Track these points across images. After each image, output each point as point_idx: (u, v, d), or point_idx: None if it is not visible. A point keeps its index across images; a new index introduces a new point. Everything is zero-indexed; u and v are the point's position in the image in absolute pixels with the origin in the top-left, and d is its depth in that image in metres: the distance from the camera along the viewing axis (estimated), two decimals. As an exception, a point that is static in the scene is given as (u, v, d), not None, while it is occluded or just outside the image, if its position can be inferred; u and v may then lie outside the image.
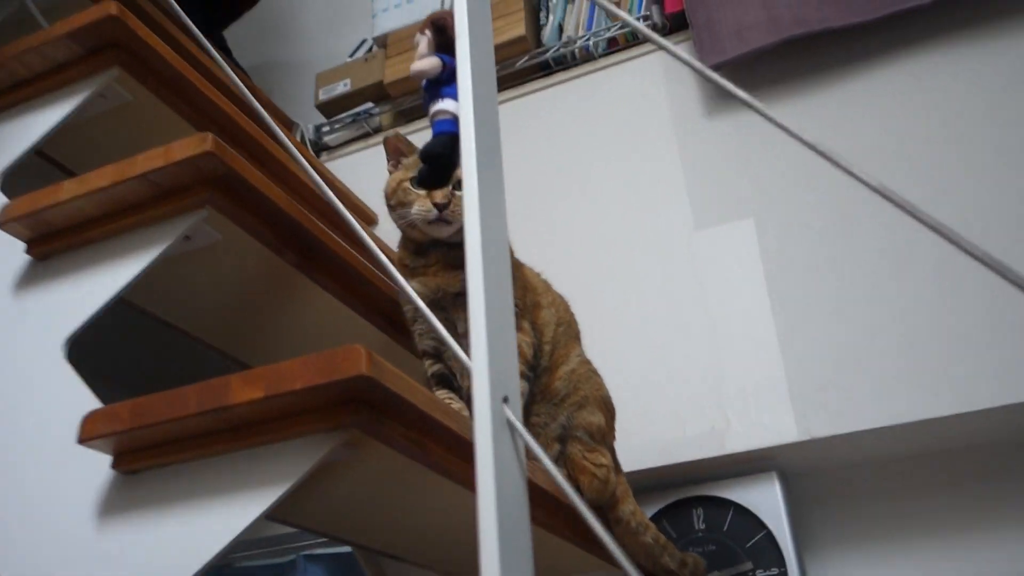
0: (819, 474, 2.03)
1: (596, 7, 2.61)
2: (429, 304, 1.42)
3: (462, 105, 0.82)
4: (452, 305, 1.41)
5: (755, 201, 2.18)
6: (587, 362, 1.52)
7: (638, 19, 2.51)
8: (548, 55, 2.60)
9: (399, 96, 2.76)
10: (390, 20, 2.87)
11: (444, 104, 0.73)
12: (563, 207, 2.40)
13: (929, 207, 0.69)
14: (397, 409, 0.95)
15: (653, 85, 2.43)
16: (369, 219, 2.42)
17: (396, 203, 1.43)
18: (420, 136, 1.44)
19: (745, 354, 2.02)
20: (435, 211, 1.38)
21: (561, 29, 2.64)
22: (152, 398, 0.94)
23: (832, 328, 1.95)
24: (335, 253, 1.39)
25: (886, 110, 2.10)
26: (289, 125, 2.70)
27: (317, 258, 1.41)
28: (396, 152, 1.48)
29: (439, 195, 1.38)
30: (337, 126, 2.84)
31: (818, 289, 2.01)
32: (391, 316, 1.60)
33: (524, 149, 2.49)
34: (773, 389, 1.94)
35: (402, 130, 2.73)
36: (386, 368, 0.90)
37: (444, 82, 0.82)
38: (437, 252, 1.43)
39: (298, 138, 2.75)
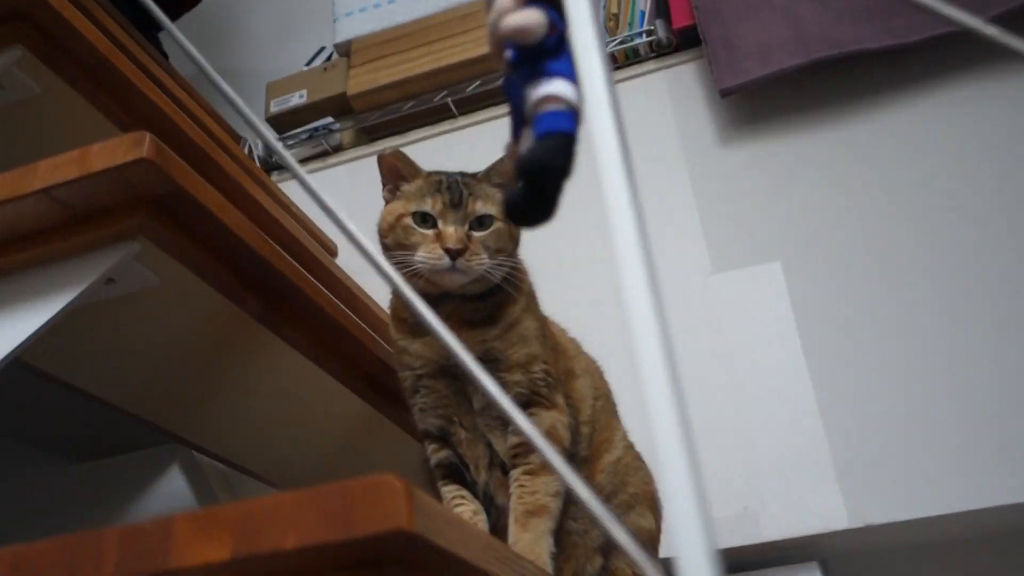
0: (864, 561, 1.75)
1: (591, 19, 2.32)
2: (434, 373, 1.09)
3: (590, 86, 0.50)
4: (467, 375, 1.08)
5: (782, 241, 1.91)
6: (631, 446, 1.20)
7: (640, 34, 2.23)
8: (537, 71, 2.29)
9: (364, 110, 2.42)
10: (354, 25, 2.54)
11: (556, 87, 0.45)
12: (550, 246, 2.09)
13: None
14: (442, 568, 0.61)
15: (658, 109, 2.15)
16: (330, 251, 2.06)
17: (394, 243, 1.11)
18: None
19: (779, 420, 1.73)
20: (447, 259, 1.06)
21: (552, 42, 2.34)
22: None
23: (880, 390, 1.69)
24: (310, 300, 1.04)
25: (926, 140, 1.86)
26: (236, 139, 2.33)
27: (286, 307, 1.07)
28: (394, 174, 1.15)
29: (453, 238, 1.06)
30: (291, 142, 2.48)
31: (860, 344, 1.74)
32: (376, 379, 1.25)
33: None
34: (815, 464, 1.65)
35: (366, 150, 2.40)
36: (432, 510, 0.56)
37: (548, 52, 0.50)
38: (449, 305, 1.10)
39: (246, 153, 2.38)
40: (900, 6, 1.90)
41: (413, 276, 1.09)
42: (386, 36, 2.47)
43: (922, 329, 1.71)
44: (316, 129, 2.46)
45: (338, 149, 2.47)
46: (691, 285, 1.93)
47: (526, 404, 1.08)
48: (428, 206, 1.09)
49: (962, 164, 1.81)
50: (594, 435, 1.16)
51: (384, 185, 1.19)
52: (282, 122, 2.52)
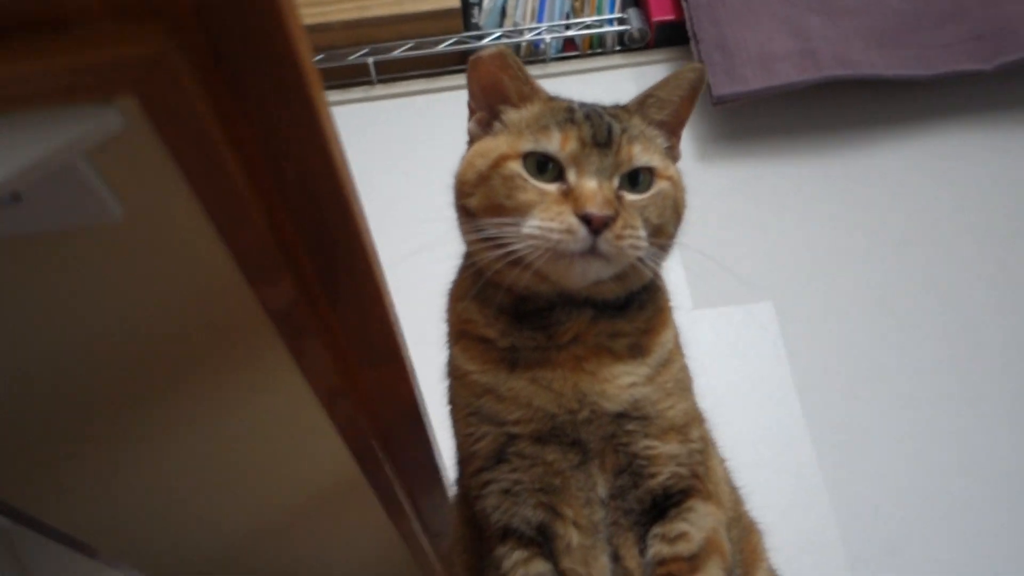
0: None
1: (551, -5, 1.97)
2: (543, 435, 0.67)
3: None
4: (594, 439, 0.67)
5: (773, 278, 1.64)
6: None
7: (611, 22, 1.91)
8: (483, 43, 1.90)
9: None
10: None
11: None
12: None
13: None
14: None
15: (627, 109, 1.83)
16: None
17: (483, 205, 0.69)
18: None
19: (780, 492, 1.44)
20: (584, 232, 0.64)
21: (503, 14, 1.96)
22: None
23: (886, 457, 1.45)
24: (371, 284, 0.57)
25: (938, 180, 1.69)
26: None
27: (337, 290, 0.58)
28: (493, 90, 0.73)
29: (598, 197, 0.65)
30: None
31: (865, 409, 1.50)
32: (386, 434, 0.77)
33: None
34: (819, 539, 1.38)
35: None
36: None
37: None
38: (574, 319, 0.68)
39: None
40: (910, 35, 1.74)
41: (510, 266, 0.66)
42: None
43: (932, 392, 1.50)
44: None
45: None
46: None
47: (681, 493, 0.68)
48: (554, 144, 0.68)
49: (978, 210, 1.65)
50: (743, 541, 0.77)
51: (472, 110, 0.74)
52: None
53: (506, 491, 0.68)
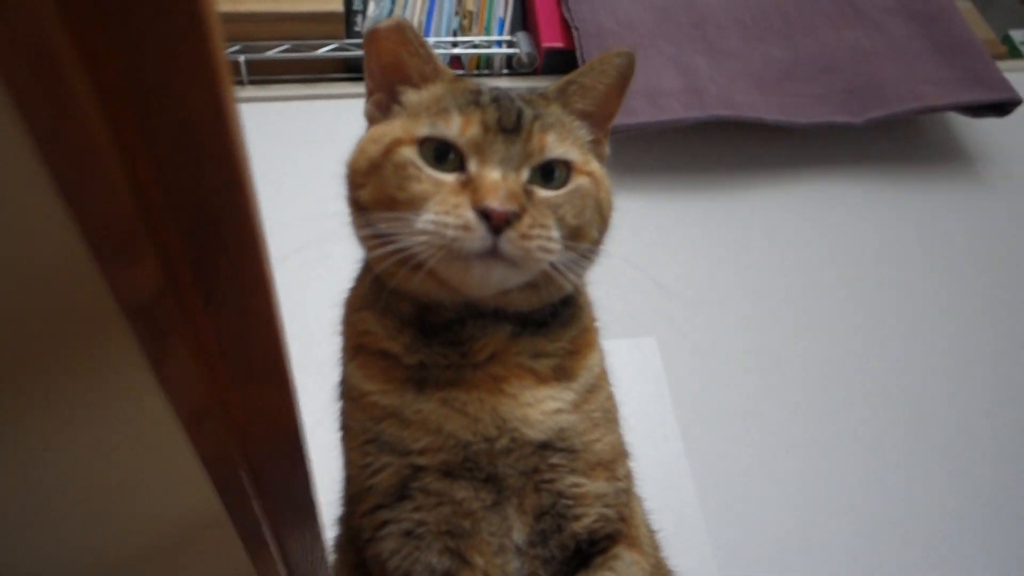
0: None
1: (437, 6, 1.90)
2: (453, 468, 0.58)
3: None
4: (512, 474, 0.58)
5: (657, 314, 1.62)
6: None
7: (499, 43, 1.86)
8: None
9: None
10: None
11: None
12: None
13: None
14: None
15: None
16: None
17: (375, 197, 0.60)
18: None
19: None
20: (482, 231, 0.56)
21: (389, 24, 1.86)
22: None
23: (766, 508, 1.44)
24: (256, 274, 0.46)
25: (806, 219, 1.74)
26: None
27: (219, 281, 0.47)
28: (392, 67, 0.64)
29: (499, 188, 0.57)
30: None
31: (741, 442, 1.50)
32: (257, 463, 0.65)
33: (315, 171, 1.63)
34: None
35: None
36: None
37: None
38: (493, 333, 0.60)
39: None
40: (788, 84, 1.79)
41: (401, 267, 0.57)
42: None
43: (809, 434, 1.52)
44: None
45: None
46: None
47: (607, 538, 0.60)
48: (453, 129, 0.59)
49: (847, 254, 1.70)
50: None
51: (370, 91, 0.65)
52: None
53: (407, 533, 0.58)
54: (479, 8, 1.89)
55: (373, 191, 0.59)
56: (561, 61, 1.83)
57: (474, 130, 0.58)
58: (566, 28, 1.83)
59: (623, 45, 1.76)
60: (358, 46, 1.79)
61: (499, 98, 0.61)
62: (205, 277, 0.41)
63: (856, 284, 1.67)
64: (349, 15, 1.82)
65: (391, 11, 1.87)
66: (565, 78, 0.67)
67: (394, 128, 0.60)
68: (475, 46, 1.85)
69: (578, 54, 1.76)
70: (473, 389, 0.58)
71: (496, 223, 0.55)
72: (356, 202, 0.60)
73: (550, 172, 0.61)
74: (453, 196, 0.56)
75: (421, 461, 0.57)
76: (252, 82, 1.75)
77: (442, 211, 0.55)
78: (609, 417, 0.64)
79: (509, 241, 0.55)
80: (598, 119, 0.68)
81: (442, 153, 0.58)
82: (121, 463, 0.57)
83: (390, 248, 0.56)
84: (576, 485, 0.59)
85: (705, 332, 1.61)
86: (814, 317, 1.63)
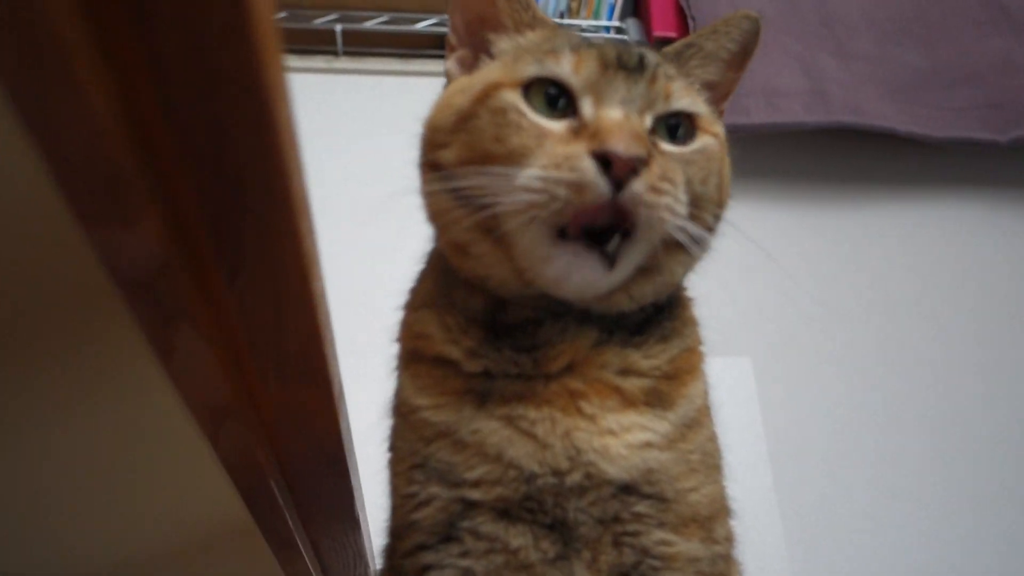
0: None
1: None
2: (512, 507, 0.47)
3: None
4: (585, 521, 0.47)
5: (752, 334, 1.49)
6: None
7: (607, 29, 1.74)
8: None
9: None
10: None
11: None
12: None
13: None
14: None
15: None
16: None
17: (466, 152, 0.48)
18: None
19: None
20: (603, 180, 0.44)
21: None
22: None
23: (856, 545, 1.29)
24: (288, 251, 0.37)
25: (932, 243, 1.57)
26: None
27: (243, 260, 0.37)
28: (481, 15, 0.55)
29: (620, 129, 0.45)
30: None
31: (835, 480, 1.35)
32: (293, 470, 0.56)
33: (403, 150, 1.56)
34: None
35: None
36: None
37: None
38: (559, 337, 0.50)
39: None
40: (924, 93, 1.62)
41: (486, 237, 0.48)
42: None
43: (915, 481, 1.35)
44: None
45: None
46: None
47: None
48: (564, 67, 0.49)
49: (978, 285, 1.52)
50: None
51: (451, 47, 0.55)
52: None
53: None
54: (589, -10, 1.78)
55: (461, 148, 0.48)
56: (672, 52, 1.70)
57: (590, 67, 0.48)
58: (681, 16, 1.70)
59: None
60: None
61: (613, 43, 0.51)
62: (228, 248, 0.32)
63: (988, 319, 1.49)
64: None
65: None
66: (683, 40, 0.56)
67: (490, 72, 0.50)
68: (582, 30, 1.73)
69: (692, 45, 1.63)
70: (544, 405, 0.47)
71: (619, 172, 0.44)
72: (434, 165, 0.50)
73: (674, 128, 0.50)
74: (564, 145, 0.46)
75: (474, 495, 0.47)
76: (347, 53, 1.68)
77: (551, 164, 0.45)
78: (710, 463, 0.52)
79: (634, 194, 0.44)
80: (718, 94, 0.57)
81: (552, 99, 0.48)
82: (133, 463, 0.49)
83: (475, 210, 0.46)
84: (665, 543, 0.48)
85: (805, 356, 1.47)
86: (933, 351, 1.46)
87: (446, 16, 1.66)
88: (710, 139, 0.51)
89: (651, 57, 0.50)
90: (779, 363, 1.46)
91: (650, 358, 0.51)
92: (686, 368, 0.52)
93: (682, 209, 0.46)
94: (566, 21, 1.74)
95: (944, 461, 1.36)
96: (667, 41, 1.68)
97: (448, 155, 0.49)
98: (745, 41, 0.56)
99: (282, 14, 1.63)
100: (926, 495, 1.34)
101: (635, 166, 0.44)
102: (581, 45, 0.50)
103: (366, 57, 1.69)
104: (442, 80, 0.63)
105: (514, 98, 0.48)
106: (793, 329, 1.49)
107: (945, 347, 1.47)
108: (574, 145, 0.45)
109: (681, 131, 0.50)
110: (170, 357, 0.36)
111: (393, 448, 0.53)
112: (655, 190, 0.44)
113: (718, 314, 1.40)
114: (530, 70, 0.48)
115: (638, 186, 0.44)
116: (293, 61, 1.66)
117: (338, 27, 1.64)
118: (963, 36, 1.70)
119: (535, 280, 0.47)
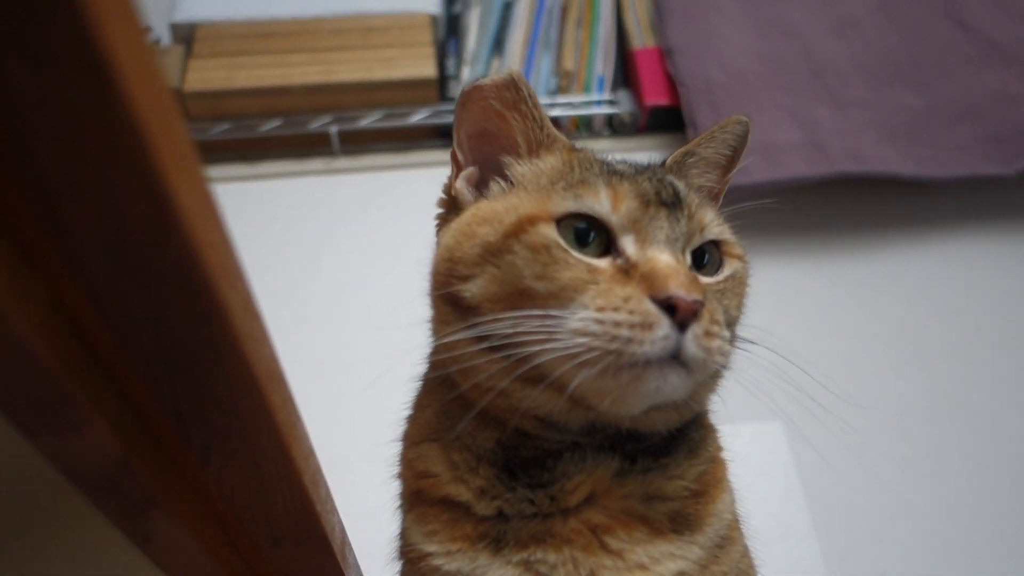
0: None
1: (534, 67, 1.82)
2: None
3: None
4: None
5: (781, 395, 1.43)
6: None
7: (599, 103, 1.75)
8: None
9: (202, 119, 1.68)
10: (204, 5, 1.82)
11: None
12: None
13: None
14: None
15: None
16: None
17: (499, 289, 0.47)
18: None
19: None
20: (668, 325, 0.44)
21: (483, 88, 1.79)
22: None
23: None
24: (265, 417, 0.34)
25: (956, 283, 1.53)
26: None
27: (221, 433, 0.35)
28: (494, 135, 0.55)
29: (677, 275, 0.45)
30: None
31: (885, 543, 1.28)
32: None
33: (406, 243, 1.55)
34: None
35: (216, 171, 1.65)
36: None
37: None
38: (575, 469, 0.48)
39: None
40: (923, 134, 1.60)
41: (527, 385, 0.46)
42: (251, 29, 1.78)
43: (973, 540, 1.29)
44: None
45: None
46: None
47: None
48: (603, 203, 0.48)
49: (1010, 322, 1.47)
50: None
51: (457, 165, 0.54)
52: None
53: None
54: (578, 67, 1.80)
55: (490, 283, 0.47)
56: (665, 119, 1.71)
57: (630, 205, 0.47)
58: (671, 85, 1.71)
59: (735, 99, 1.61)
60: (452, 111, 1.71)
61: (641, 169, 0.51)
62: (195, 431, 0.30)
63: (1020, 357, 1.44)
64: (443, 81, 1.76)
65: (485, 70, 1.80)
66: (681, 150, 0.56)
67: (520, 203, 0.49)
68: (574, 106, 1.75)
69: (685, 112, 1.64)
70: (564, 546, 0.44)
71: (683, 317, 0.43)
72: (455, 300, 0.48)
73: (701, 255, 0.50)
74: (619, 286, 0.44)
75: None
76: (344, 153, 1.70)
77: (608, 305, 0.43)
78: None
79: (695, 339, 0.44)
80: (715, 196, 0.56)
81: (582, 234, 0.47)
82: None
83: (513, 359, 0.43)
84: None
85: (837, 413, 1.41)
86: (967, 395, 1.41)
87: (439, 107, 1.68)
88: (738, 264, 0.51)
89: (681, 186, 0.50)
90: (811, 423, 1.41)
91: (674, 479, 0.48)
92: (712, 482, 0.49)
93: (728, 348, 0.47)
94: (559, 100, 1.75)
95: (997, 505, 1.30)
96: (661, 109, 1.69)
97: (473, 288, 0.47)
98: (738, 145, 0.57)
99: (277, 122, 1.65)
100: (980, 550, 1.27)
101: (697, 309, 0.43)
102: (612, 176, 0.48)
103: (363, 155, 1.71)
104: (439, 170, 0.62)
105: (553, 234, 0.46)
106: (821, 386, 1.45)
107: (981, 386, 1.42)
108: (629, 287, 0.44)
109: (709, 258, 0.50)
110: (148, 544, 0.34)
111: (401, 598, 0.50)
112: (709, 335, 0.45)
113: (742, 377, 1.35)
114: (566, 205, 0.47)
115: (697, 330, 0.44)
116: (291, 165, 1.68)
117: (333, 128, 1.66)
118: (956, 73, 1.70)
119: (610, 405, 0.45)
